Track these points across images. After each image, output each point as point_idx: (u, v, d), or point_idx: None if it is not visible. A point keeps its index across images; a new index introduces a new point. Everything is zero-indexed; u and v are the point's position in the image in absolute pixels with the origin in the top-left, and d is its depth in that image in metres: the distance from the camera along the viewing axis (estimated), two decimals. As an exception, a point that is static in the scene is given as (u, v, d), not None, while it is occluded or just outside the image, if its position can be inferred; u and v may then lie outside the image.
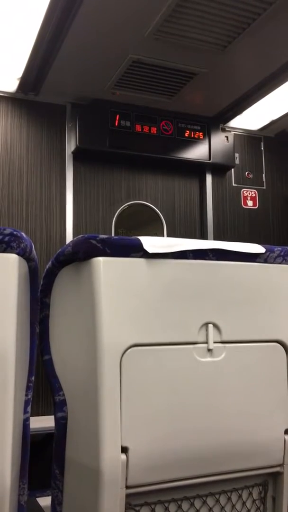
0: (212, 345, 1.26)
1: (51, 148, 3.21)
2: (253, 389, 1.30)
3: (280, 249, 1.38)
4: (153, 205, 3.46)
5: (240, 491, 1.32)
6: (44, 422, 2.03)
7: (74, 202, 3.23)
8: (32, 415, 1.22)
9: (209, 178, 3.61)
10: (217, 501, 1.29)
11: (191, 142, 3.44)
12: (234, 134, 3.65)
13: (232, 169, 3.68)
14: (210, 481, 1.26)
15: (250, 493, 1.33)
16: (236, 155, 3.67)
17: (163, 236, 3.42)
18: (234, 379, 1.28)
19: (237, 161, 3.68)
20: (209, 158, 3.49)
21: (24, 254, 1.13)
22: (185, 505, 1.25)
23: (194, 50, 2.68)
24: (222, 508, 1.29)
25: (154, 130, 3.33)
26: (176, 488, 1.23)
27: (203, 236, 3.56)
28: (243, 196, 3.71)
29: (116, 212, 3.34)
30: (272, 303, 1.36)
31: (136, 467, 1.15)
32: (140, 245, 1.21)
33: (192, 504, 1.26)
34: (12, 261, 1.09)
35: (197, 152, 3.45)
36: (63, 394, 1.26)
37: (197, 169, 3.58)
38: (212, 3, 2.29)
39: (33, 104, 3.19)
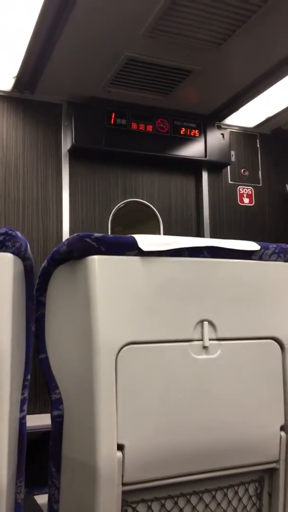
0: (207, 343, 1.26)
1: (47, 147, 3.21)
2: (248, 386, 1.31)
3: (275, 246, 1.39)
4: (149, 203, 3.46)
5: (236, 488, 1.32)
6: (40, 421, 2.04)
7: (71, 200, 3.23)
8: (28, 414, 1.23)
9: (205, 176, 3.61)
10: (213, 497, 1.29)
11: (187, 139, 3.44)
12: (230, 131, 3.65)
13: (228, 167, 3.68)
14: (206, 477, 1.27)
15: (246, 490, 1.34)
16: (232, 152, 3.68)
17: (159, 234, 3.43)
18: (230, 376, 1.29)
19: (233, 159, 3.69)
20: (205, 156, 3.49)
21: (19, 253, 1.13)
22: (181, 502, 1.26)
23: (189, 48, 2.68)
24: (219, 504, 1.30)
25: (150, 128, 3.33)
26: (173, 485, 1.23)
27: (200, 233, 3.57)
28: (239, 194, 3.72)
29: (112, 210, 3.34)
30: (267, 300, 1.36)
31: (132, 464, 1.16)
32: (135, 243, 1.21)
33: (188, 501, 1.26)
34: (7, 260, 1.10)
35: (193, 149, 3.46)
36: (59, 393, 1.26)
37: (193, 166, 3.59)
38: (206, 1, 2.29)
39: (29, 103, 3.19)
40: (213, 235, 3.55)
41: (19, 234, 1.13)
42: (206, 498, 1.28)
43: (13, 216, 3.08)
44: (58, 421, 1.25)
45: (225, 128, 3.62)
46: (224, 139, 3.56)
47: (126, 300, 1.19)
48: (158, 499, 1.23)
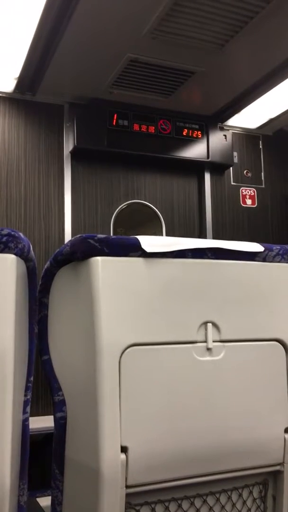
0: (211, 344, 1.26)
1: (49, 148, 3.21)
2: (252, 388, 1.30)
3: (278, 247, 1.38)
4: (151, 204, 3.45)
5: (240, 490, 1.31)
6: (43, 422, 2.03)
7: (73, 201, 3.23)
8: (31, 415, 1.22)
9: (207, 177, 3.61)
10: (218, 500, 1.29)
11: (189, 141, 3.44)
12: (233, 132, 3.64)
13: (231, 168, 3.67)
14: (210, 480, 1.26)
15: (251, 492, 1.33)
16: (235, 153, 3.67)
17: (162, 235, 3.42)
18: (234, 378, 1.28)
19: (235, 160, 3.68)
20: (208, 157, 3.48)
21: (22, 254, 1.13)
22: (185, 505, 1.25)
23: (192, 49, 2.67)
24: (223, 507, 1.29)
25: (152, 129, 3.33)
26: (176, 487, 1.22)
27: (202, 235, 3.56)
28: (242, 195, 3.71)
29: (114, 211, 3.34)
30: (271, 302, 1.35)
31: (135, 466, 1.15)
32: (138, 244, 1.21)
33: (192, 503, 1.26)
34: (10, 261, 1.09)
35: (196, 151, 3.45)
36: (62, 394, 1.26)
37: (196, 168, 3.58)
38: (209, 2, 2.29)
39: (31, 104, 3.18)
40: (215, 237, 3.54)
41: (22, 235, 1.13)
42: (210, 500, 1.28)
43: (15, 218, 3.07)
44: (61, 423, 1.24)
45: (228, 129, 3.61)
46: (226, 140, 3.56)
47: (129, 302, 1.18)
48: (162, 501, 1.22)
